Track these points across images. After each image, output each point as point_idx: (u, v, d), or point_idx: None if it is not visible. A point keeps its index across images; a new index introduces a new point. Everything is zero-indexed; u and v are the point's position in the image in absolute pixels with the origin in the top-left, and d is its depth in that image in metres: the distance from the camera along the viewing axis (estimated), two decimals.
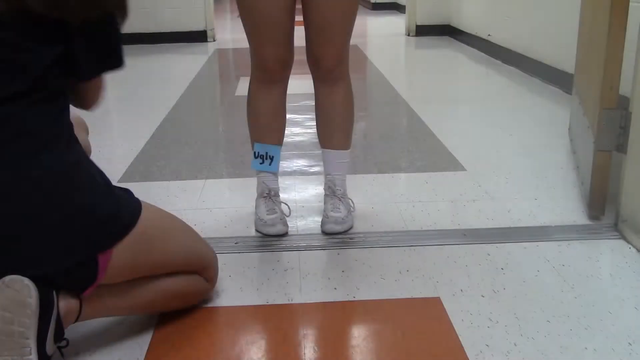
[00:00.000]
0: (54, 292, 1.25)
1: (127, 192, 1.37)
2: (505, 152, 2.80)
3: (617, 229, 1.96)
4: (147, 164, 2.72)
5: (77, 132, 1.44)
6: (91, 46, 1.28)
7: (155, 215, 1.42)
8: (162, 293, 1.45)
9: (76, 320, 1.32)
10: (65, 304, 1.28)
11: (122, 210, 1.32)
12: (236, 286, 1.69)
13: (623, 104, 1.94)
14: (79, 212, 1.24)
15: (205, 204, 2.26)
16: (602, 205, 2.04)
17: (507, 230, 2.01)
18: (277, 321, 1.54)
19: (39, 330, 1.21)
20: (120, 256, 1.30)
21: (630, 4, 1.88)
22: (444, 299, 1.60)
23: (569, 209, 2.16)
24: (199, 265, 1.52)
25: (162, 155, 2.85)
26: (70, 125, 1.31)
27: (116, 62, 1.34)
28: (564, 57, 3.93)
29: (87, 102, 1.41)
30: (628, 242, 1.90)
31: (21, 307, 1.18)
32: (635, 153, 1.89)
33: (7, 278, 1.19)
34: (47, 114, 1.24)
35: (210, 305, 1.60)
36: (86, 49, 1.27)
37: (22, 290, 1.19)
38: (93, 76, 1.34)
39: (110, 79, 1.44)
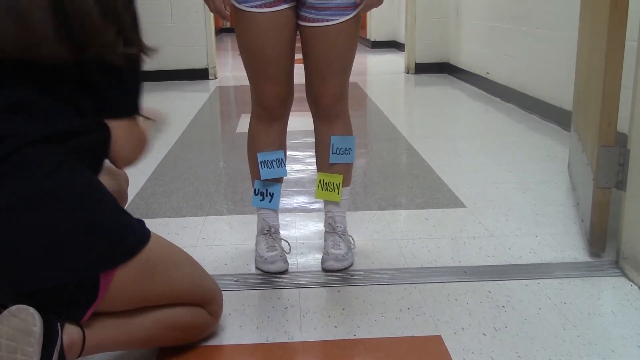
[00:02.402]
0: (59, 324, 1.26)
1: (140, 222, 1.38)
2: (505, 188, 2.81)
3: (619, 267, 1.96)
4: (147, 201, 2.72)
5: (119, 181, 1.47)
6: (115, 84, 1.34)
7: (162, 245, 1.43)
8: (165, 324, 1.44)
9: (79, 355, 1.32)
10: (68, 336, 1.28)
11: (130, 233, 1.32)
12: (236, 324, 1.68)
13: (621, 141, 1.96)
14: (89, 228, 1.24)
15: (205, 241, 2.26)
16: (602, 242, 2.04)
17: (508, 268, 2.00)
18: None
19: None
20: (123, 279, 1.30)
21: (627, 42, 1.91)
22: (445, 338, 1.59)
23: (569, 246, 2.16)
24: (203, 298, 1.52)
25: (163, 192, 2.85)
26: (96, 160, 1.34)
27: (136, 90, 1.40)
28: (562, 95, 3.96)
29: (119, 155, 1.40)
30: (630, 279, 1.89)
31: (25, 336, 1.20)
32: (635, 190, 1.90)
33: (14, 307, 1.21)
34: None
35: (209, 343, 1.58)
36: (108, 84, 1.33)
37: (27, 319, 1.21)
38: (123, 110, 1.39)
39: None
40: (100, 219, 1.27)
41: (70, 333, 1.29)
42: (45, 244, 1.21)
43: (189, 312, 1.49)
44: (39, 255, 1.21)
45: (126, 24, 1.29)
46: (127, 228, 1.32)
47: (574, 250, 2.12)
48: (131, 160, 1.44)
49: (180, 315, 1.47)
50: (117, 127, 1.37)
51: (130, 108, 1.39)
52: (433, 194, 2.76)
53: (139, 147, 1.44)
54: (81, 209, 1.24)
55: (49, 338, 1.23)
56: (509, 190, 2.78)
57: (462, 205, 2.59)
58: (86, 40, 1.23)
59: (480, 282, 1.89)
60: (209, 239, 2.28)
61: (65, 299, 1.28)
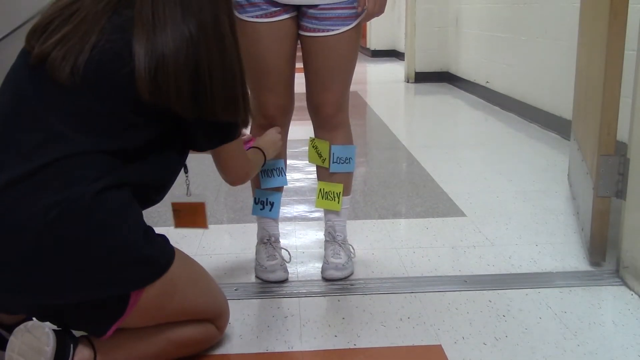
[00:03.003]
0: (72, 345, 1.27)
1: (164, 237, 1.39)
2: (505, 197, 2.81)
3: (619, 276, 1.96)
4: (147, 210, 2.71)
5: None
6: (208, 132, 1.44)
7: (184, 262, 1.44)
8: (175, 342, 1.45)
9: None
10: (80, 355, 1.29)
11: (161, 253, 1.34)
12: (236, 333, 1.67)
13: (621, 150, 1.96)
14: (126, 247, 1.25)
15: (205, 250, 2.26)
16: (603, 251, 2.04)
17: (508, 277, 2.00)
18: None
19: None
20: (148, 297, 1.31)
21: (626, 51, 1.91)
22: (446, 347, 1.58)
23: (569, 255, 2.16)
24: (214, 314, 1.53)
25: (163, 200, 2.84)
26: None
27: (228, 139, 1.48)
28: (562, 104, 3.97)
29: (225, 173, 1.58)
30: (630, 288, 1.89)
31: (37, 354, 1.22)
32: (635, 199, 1.90)
33: (30, 324, 1.23)
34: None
35: (209, 353, 1.58)
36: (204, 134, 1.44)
37: (41, 337, 1.22)
38: (207, 148, 1.49)
39: None
40: (135, 238, 1.27)
41: (82, 354, 1.29)
42: (83, 259, 1.21)
43: (198, 328, 1.49)
44: (76, 269, 1.21)
45: (240, 103, 1.39)
46: (159, 248, 1.34)
47: (574, 259, 2.12)
48: (240, 179, 1.62)
49: (190, 332, 1.48)
50: (222, 152, 1.50)
51: (226, 136, 1.47)
52: (433, 203, 2.76)
53: (244, 167, 1.59)
54: (119, 227, 1.24)
55: (61, 357, 1.24)
56: (509, 199, 2.78)
57: (462, 214, 2.59)
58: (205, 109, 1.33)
59: (481, 292, 1.89)
60: (209, 248, 2.28)
61: (93, 314, 1.29)
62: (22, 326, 1.24)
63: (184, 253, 1.45)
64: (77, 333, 1.35)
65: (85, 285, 1.22)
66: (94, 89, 1.24)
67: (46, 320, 1.38)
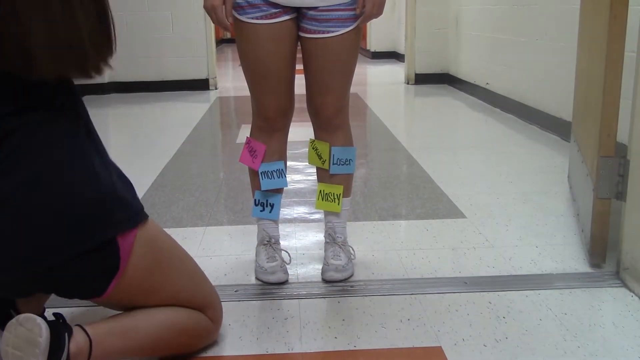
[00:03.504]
0: (66, 334, 1.27)
1: (131, 184, 1.45)
2: (505, 199, 2.81)
3: (619, 277, 1.96)
4: (148, 211, 2.70)
5: None
6: None
7: (171, 239, 1.52)
8: (169, 327, 1.46)
9: None
10: (75, 345, 1.29)
11: (136, 200, 1.42)
12: (236, 335, 1.67)
13: (621, 152, 1.96)
14: (105, 193, 1.31)
15: (205, 252, 2.26)
16: (603, 252, 2.04)
17: (508, 278, 2.00)
18: None
19: None
20: (138, 260, 1.36)
21: (626, 53, 1.91)
22: (446, 349, 1.58)
23: (570, 256, 2.16)
24: (203, 300, 1.54)
25: (163, 202, 2.85)
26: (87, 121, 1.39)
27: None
28: (562, 105, 3.97)
29: None
30: (630, 290, 1.89)
31: (31, 346, 1.22)
32: (635, 201, 1.90)
33: (22, 316, 1.24)
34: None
35: (209, 354, 1.58)
36: None
37: (34, 329, 1.23)
38: None
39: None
40: (113, 183, 1.35)
41: (77, 342, 1.30)
42: (60, 217, 1.25)
43: (191, 315, 1.51)
44: (56, 228, 1.24)
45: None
46: (133, 193, 1.42)
47: (575, 260, 2.12)
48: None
49: (183, 317, 1.49)
50: None
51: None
52: (433, 204, 2.76)
53: None
54: (87, 181, 1.30)
55: (56, 347, 1.24)
56: (509, 201, 2.78)
57: (462, 216, 2.59)
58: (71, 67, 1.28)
59: (481, 293, 1.89)
60: (209, 250, 2.28)
61: (89, 275, 1.32)
62: (14, 320, 1.24)
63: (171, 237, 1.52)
64: (73, 321, 1.36)
65: (72, 238, 1.26)
66: None
67: (48, 292, 1.42)
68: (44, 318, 1.28)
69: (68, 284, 1.33)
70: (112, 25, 1.33)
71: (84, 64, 1.28)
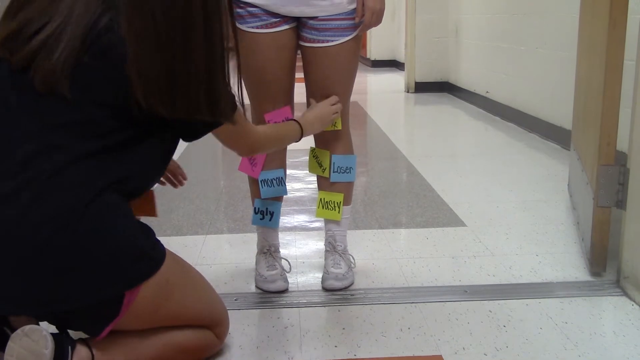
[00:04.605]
0: (69, 347, 1.27)
1: (151, 231, 1.39)
2: (505, 207, 2.81)
3: (619, 286, 1.95)
4: (147, 219, 2.71)
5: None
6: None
7: (178, 263, 1.45)
8: (173, 347, 1.45)
9: None
10: (78, 358, 1.29)
11: (153, 247, 1.34)
12: (236, 344, 1.67)
13: (621, 160, 1.96)
14: (120, 247, 1.26)
15: (205, 260, 2.26)
16: (603, 261, 2.04)
17: (509, 287, 1.99)
18: None
19: None
20: (143, 299, 1.31)
21: (625, 61, 1.92)
22: (446, 357, 1.58)
23: (570, 265, 2.15)
24: (212, 321, 1.53)
25: (163, 210, 2.85)
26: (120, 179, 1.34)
27: (213, 127, 1.46)
28: (562, 114, 3.98)
29: (230, 148, 1.61)
30: (631, 299, 1.88)
31: (35, 358, 1.22)
32: (635, 209, 1.90)
33: (27, 327, 1.23)
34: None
35: None
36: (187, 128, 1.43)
37: (40, 341, 1.22)
38: (193, 139, 1.47)
39: None
40: (133, 236, 1.29)
41: (80, 356, 1.29)
42: (75, 264, 1.21)
43: (197, 334, 1.49)
44: (69, 275, 1.21)
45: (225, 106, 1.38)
46: (151, 243, 1.35)
47: (575, 269, 2.12)
48: (246, 153, 1.69)
49: (189, 338, 1.47)
50: (218, 133, 1.51)
51: (211, 126, 1.45)
52: (433, 212, 2.76)
53: (247, 143, 1.58)
54: (109, 232, 1.25)
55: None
56: (509, 209, 2.78)
57: (462, 224, 2.59)
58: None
59: (481, 302, 1.89)
60: (209, 258, 2.28)
61: (87, 316, 1.30)
62: (19, 330, 1.24)
63: (181, 258, 1.46)
64: (75, 335, 1.35)
65: (80, 292, 1.23)
66: (82, 95, 1.23)
67: (42, 320, 1.39)
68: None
69: (65, 322, 1.33)
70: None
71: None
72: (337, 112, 1.87)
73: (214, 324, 1.53)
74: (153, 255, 1.33)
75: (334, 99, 1.87)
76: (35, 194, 1.19)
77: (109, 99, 1.24)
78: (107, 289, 1.25)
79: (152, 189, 1.60)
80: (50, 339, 1.24)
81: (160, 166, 1.46)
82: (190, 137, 1.45)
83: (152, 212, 1.67)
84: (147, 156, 1.35)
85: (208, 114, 1.33)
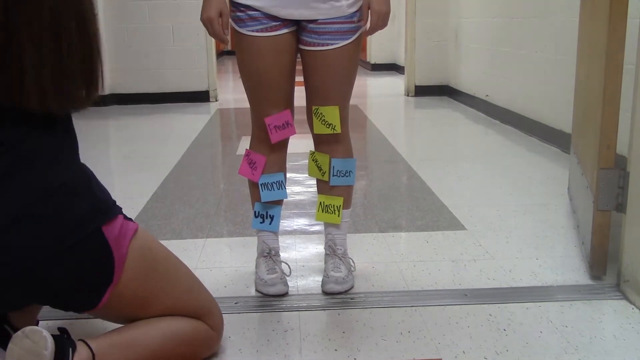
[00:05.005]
0: (70, 348, 1.28)
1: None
2: (505, 211, 2.81)
3: (620, 290, 1.95)
4: (147, 223, 2.72)
5: None
6: None
7: (164, 248, 1.52)
8: (169, 337, 1.46)
9: None
10: (79, 358, 1.30)
11: (108, 195, 1.41)
12: (235, 347, 1.67)
13: (621, 164, 1.96)
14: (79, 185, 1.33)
15: (205, 264, 2.25)
16: (603, 265, 2.04)
17: (509, 291, 1.99)
18: None
19: None
20: (131, 270, 1.37)
21: (625, 65, 1.92)
22: None
23: (570, 268, 2.15)
24: (201, 308, 1.54)
25: (163, 214, 2.85)
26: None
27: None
28: (562, 117, 3.98)
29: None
30: (631, 302, 1.88)
31: (35, 359, 1.22)
32: (635, 213, 1.90)
33: (28, 329, 1.25)
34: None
35: None
36: None
37: (40, 342, 1.24)
38: None
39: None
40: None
41: (80, 356, 1.31)
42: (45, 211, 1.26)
43: (191, 324, 1.51)
44: (42, 221, 1.26)
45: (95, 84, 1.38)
46: (102, 191, 1.41)
47: (575, 273, 2.12)
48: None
49: (183, 327, 1.49)
50: None
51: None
52: (433, 216, 2.76)
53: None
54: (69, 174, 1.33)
55: None
56: (509, 213, 2.78)
57: (462, 228, 2.59)
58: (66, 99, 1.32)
59: (481, 305, 1.88)
60: (209, 262, 2.28)
61: (83, 286, 1.32)
62: (19, 332, 1.25)
63: (164, 246, 1.53)
64: (75, 336, 1.36)
65: (56, 233, 1.27)
66: None
67: (43, 303, 1.41)
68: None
69: (63, 293, 1.33)
70: (99, 65, 1.36)
71: (71, 102, 1.34)
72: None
73: (204, 313, 1.54)
74: (106, 198, 1.40)
75: None
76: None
77: None
78: (82, 229, 1.30)
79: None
80: (50, 340, 1.25)
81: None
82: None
83: None
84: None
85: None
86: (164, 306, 1.47)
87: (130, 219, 1.43)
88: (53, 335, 1.28)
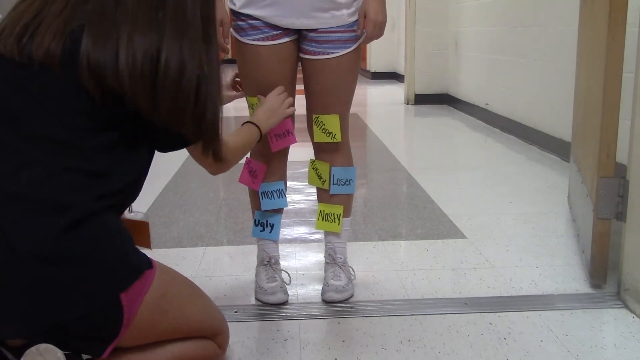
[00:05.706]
0: None
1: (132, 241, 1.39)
2: (505, 219, 2.81)
3: (620, 298, 1.95)
4: None
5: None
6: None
7: (172, 276, 1.44)
8: (177, 356, 1.44)
9: None
10: None
11: (132, 256, 1.33)
12: (235, 356, 1.66)
13: (621, 173, 1.96)
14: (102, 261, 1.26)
15: (205, 272, 2.25)
16: (603, 273, 2.03)
17: (509, 299, 1.99)
18: None
19: None
20: (141, 315, 1.31)
21: (624, 74, 1.93)
22: None
23: (570, 277, 2.15)
24: (213, 331, 1.52)
25: (163, 222, 2.85)
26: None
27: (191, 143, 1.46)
28: (561, 126, 3.98)
29: (202, 166, 1.57)
30: (631, 311, 1.88)
31: None
32: (635, 221, 1.90)
33: (42, 346, 1.23)
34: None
35: None
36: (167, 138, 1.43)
37: None
38: (168, 150, 1.48)
39: None
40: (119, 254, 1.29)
41: None
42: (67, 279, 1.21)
43: (199, 345, 1.49)
44: (63, 286, 1.21)
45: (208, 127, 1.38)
46: (129, 253, 1.34)
47: (575, 281, 2.11)
48: (219, 171, 1.58)
49: (191, 349, 1.47)
50: (192, 150, 1.49)
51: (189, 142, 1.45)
52: (433, 224, 2.76)
53: (207, 161, 1.53)
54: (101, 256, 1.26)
55: None
56: (509, 221, 2.78)
57: (462, 236, 2.59)
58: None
59: (481, 314, 1.88)
60: (209, 270, 2.27)
61: (89, 336, 1.29)
62: (33, 349, 1.23)
63: (174, 270, 1.46)
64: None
65: (72, 300, 1.22)
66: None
67: (44, 343, 1.37)
68: None
69: (68, 342, 1.31)
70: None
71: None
72: (286, 101, 1.84)
73: (214, 333, 1.52)
74: (133, 259, 1.33)
75: (279, 89, 1.84)
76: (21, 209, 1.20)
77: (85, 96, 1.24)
78: (100, 294, 1.25)
79: (147, 221, 1.61)
80: (63, 358, 1.24)
81: (142, 175, 1.47)
82: (165, 146, 1.45)
83: (146, 244, 1.67)
84: (129, 167, 1.38)
85: (191, 124, 1.33)
86: (176, 336, 1.44)
87: (148, 261, 1.37)
88: (66, 354, 1.27)
